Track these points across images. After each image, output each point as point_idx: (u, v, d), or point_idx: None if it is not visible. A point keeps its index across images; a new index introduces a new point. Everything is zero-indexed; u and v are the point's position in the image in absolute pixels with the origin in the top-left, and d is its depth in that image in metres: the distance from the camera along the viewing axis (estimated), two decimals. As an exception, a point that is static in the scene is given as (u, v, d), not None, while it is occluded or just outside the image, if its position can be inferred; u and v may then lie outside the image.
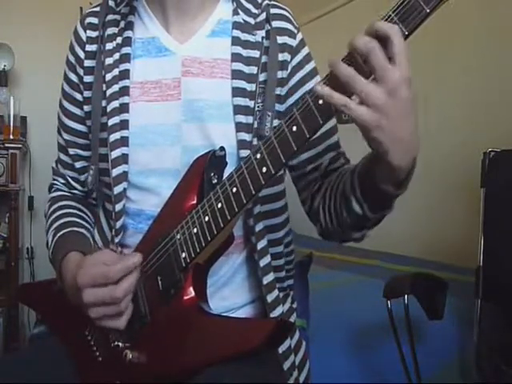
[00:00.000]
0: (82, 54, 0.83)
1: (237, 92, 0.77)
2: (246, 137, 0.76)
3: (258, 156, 0.62)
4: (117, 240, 0.79)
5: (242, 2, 0.83)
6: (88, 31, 0.83)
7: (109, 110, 0.78)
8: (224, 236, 0.70)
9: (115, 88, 0.79)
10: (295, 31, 0.83)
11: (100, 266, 0.67)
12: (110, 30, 0.82)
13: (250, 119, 0.77)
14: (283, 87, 0.81)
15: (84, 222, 0.86)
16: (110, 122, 0.78)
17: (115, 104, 0.78)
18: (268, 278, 0.77)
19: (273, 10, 0.82)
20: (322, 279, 1.76)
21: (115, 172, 0.77)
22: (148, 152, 0.78)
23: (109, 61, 0.80)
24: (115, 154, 0.77)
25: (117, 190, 0.77)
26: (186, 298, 0.66)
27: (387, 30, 0.51)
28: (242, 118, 0.76)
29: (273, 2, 0.84)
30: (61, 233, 0.81)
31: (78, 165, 0.88)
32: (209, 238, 0.66)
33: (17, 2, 2.70)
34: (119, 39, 0.81)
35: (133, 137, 0.78)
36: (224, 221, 0.65)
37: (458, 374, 1.42)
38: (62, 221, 0.84)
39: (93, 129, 0.81)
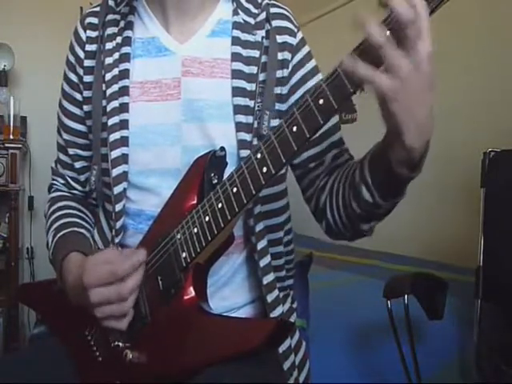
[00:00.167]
0: (81, 54, 0.83)
1: (237, 92, 0.77)
2: (246, 137, 0.76)
3: (259, 156, 0.62)
4: (117, 240, 0.79)
5: (241, 1, 0.83)
6: (88, 31, 0.83)
7: (108, 109, 0.78)
8: (224, 236, 0.70)
9: (115, 88, 0.79)
10: (295, 30, 0.83)
11: (105, 264, 0.67)
12: (110, 30, 0.82)
13: (250, 119, 0.77)
14: (284, 86, 0.81)
15: (84, 223, 0.86)
16: (110, 122, 0.78)
17: (115, 104, 0.78)
18: (268, 278, 0.77)
19: (273, 10, 0.83)
20: (322, 279, 1.76)
21: (115, 172, 0.77)
22: (148, 152, 0.78)
23: (108, 60, 0.80)
24: (115, 153, 0.77)
25: (117, 190, 0.77)
26: (186, 297, 0.66)
27: (417, 3, 0.51)
28: (242, 118, 0.76)
29: (272, 2, 0.84)
30: (61, 233, 0.81)
31: (77, 165, 0.88)
32: (209, 238, 0.66)
33: (17, 2, 2.70)
34: (119, 39, 0.81)
35: (133, 137, 0.78)
36: (224, 221, 0.65)
37: (458, 374, 1.42)
38: (62, 221, 0.84)
39: (94, 129, 0.81)
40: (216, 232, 0.65)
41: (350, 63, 0.53)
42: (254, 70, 0.78)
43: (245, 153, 0.74)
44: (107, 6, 0.84)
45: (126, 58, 0.80)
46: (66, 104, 0.87)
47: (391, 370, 1.21)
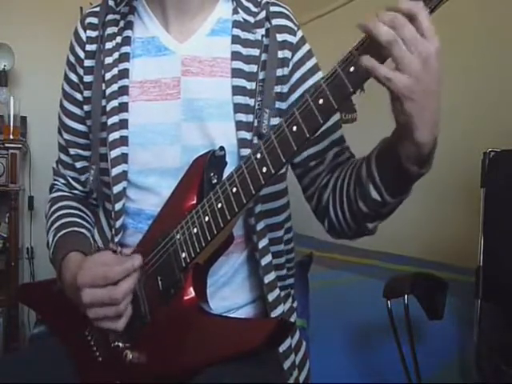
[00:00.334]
0: (81, 54, 0.83)
1: (237, 90, 0.77)
2: (247, 135, 0.76)
3: (258, 156, 0.62)
4: (116, 239, 0.79)
5: (241, 0, 0.83)
6: (88, 31, 0.83)
7: (108, 109, 0.78)
8: (224, 236, 0.70)
9: (114, 87, 0.79)
10: (295, 28, 0.83)
11: (100, 266, 0.67)
12: (110, 30, 0.82)
13: (250, 117, 0.77)
14: (284, 85, 0.81)
15: (84, 223, 0.86)
16: (110, 122, 0.78)
17: (114, 103, 0.78)
18: (269, 277, 0.77)
19: (272, 8, 0.83)
20: (322, 279, 1.76)
21: (115, 171, 0.77)
22: (147, 151, 0.78)
23: (108, 60, 0.80)
24: (115, 153, 0.77)
25: (116, 189, 0.77)
26: (186, 298, 0.66)
27: (412, 7, 0.52)
28: (242, 117, 0.76)
29: (272, 1, 0.84)
30: (61, 233, 0.81)
31: (78, 165, 0.88)
32: (209, 238, 0.66)
33: (17, 2, 2.70)
34: (119, 38, 0.81)
35: (132, 136, 0.78)
36: (224, 221, 0.65)
37: (458, 374, 1.42)
38: (62, 221, 0.84)
39: (93, 128, 0.81)
40: (216, 232, 0.65)
41: (369, 63, 0.53)
42: (254, 68, 0.78)
43: (245, 152, 0.74)
44: (107, 6, 0.84)
45: (125, 57, 0.80)
46: (66, 104, 0.87)
47: (391, 370, 1.21)
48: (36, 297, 0.92)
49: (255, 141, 0.76)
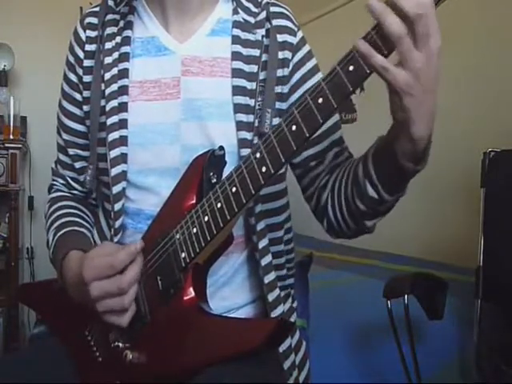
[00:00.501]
0: (81, 54, 0.83)
1: (237, 90, 0.77)
2: (247, 135, 0.76)
3: (258, 155, 0.62)
4: (116, 239, 0.79)
5: (241, 1, 0.83)
6: (87, 31, 0.83)
7: (108, 109, 0.78)
8: (223, 236, 0.70)
9: (114, 87, 0.79)
10: (295, 29, 0.83)
11: (103, 257, 0.67)
12: (110, 30, 0.82)
13: (250, 118, 0.77)
14: (285, 85, 0.81)
15: (84, 222, 0.86)
16: (109, 122, 0.78)
17: (114, 103, 0.78)
18: (269, 277, 0.77)
19: (273, 9, 0.83)
20: (322, 279, 1.76)
21: (114, 171, 0.77)
22: (147, 151, 0.78)
23: (108, 60, 0.80)
24: (114, 153, 0.77)
25: (116, 189, 0.77)
26: (185, 298, 0.66)
27: (422, 3, 0.51)
28: (242, 117, 0.76)
29: (272, 1, 0.84)
30: (61, 232, 0.81)
31: (77, 165, 0.88)
32: (208, 238, 0.66)
33: (17, 2, 2.70)
34: (118, 38, 0.81)
35: (132, 136, 0.78)
36: (224, 221, 0.65)
37: (458, 374, 1.42)
38: (62, 220, 0.84)
39: (91, 128, 0.81)
40: (215, 232, 0.65)
41: (365, 48, 0.52)
42: (254, 68, 0.78)
43: (245, 152, 0.74)
44: (107, 6, 0.84)
45: (125, 57, 0.80)
46: (65, 104, 0.86)
47: (391, 370, 1.21)
48: (36, 297, 0.92)
49: (256, 141, 0.76)
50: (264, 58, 0.79)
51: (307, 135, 0.58)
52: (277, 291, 0.77)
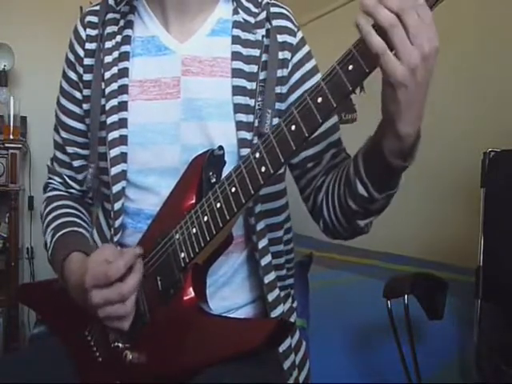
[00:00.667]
0: (81, 53, 0.83)
1: (237, 90, 0.77)
2: (247, 135, 0.76)
3: (257, 155, 0.62)
4: (116, 239, 0.79)
5: (242, 1, 0.83)
6: (88, 29, 0.83)
7: (107, 108, 0.78)
8: (223, 236, 0.70)
9: (114, 86, 0.79)
10: (295, 29, 0.83)
11: (102, 264, 0.67)
12: (110, 29, 0.82)
13: (250, 118, 0.77)
14: (284, 85, 0.81)
15: (82, 222, 0.86)
16: (109, 121, 0.78)
17: (114, 102, 0.78)
18: (269, 277, 0.77)
19: (273, 9, 0.83)
20: (321, 279, 1.76)
21: (114, 171, 0.77)
22: (147, 151, 0.78)
23: (108, 59, 0.80)
24: (114, 152, 0.77)
25: (115, 188, 0.77)
26: (185, 298, 0.66)
27: (413, 2, 0.51)
28: (242, 117, 0.76)
29: (273, 1, 0.84)
30: (60, 233, 0.81)
31: (75, 163, 0.88)
32: (208, 238, 0.66)
33: (17, 2, 2.70)
34: (119, 37, 0.81)
35: (132, 135, 0.78)
36: (223, 221, 0.65)
37: (458, 374, 1.42)
38: (60, 221, 0.84)
39: (92, 127, 0.81)
40: (215, 232, 0.65)
41: (366, 27, 0.52)
42: (254, 68, 0.78)
43: (245, 151, 0.74)
44: (107, 5, 0.84)
45: (125, 56, 0.80)
46: (64, 102, 0.86)
47: (391, 370, 1.21)
48: (36, 297, 0.92)
49: (255, 141, 0.76)
50: (264, 58, 0.79)
51: (306, 135, 0.58)
52: (276, 291, 0.77)
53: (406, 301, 1.13)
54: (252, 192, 0.62)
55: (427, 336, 1.30)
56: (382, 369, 1.27)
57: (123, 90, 0.79)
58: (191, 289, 0.66)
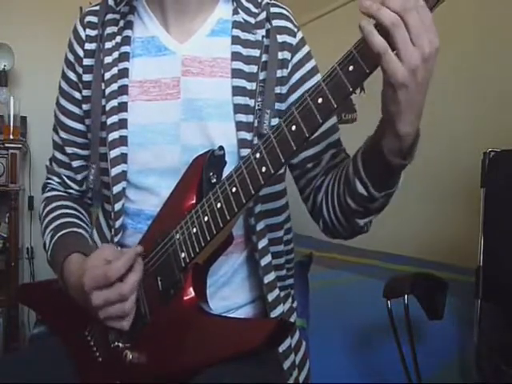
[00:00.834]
0: (81, 53, 0.83)
1: (237, 91, 0.77)
2: (247, 136, 0.76)
3: (258, 155, 0.62)
4: (116, 240, 0.79)
5: (241, 1, 0.83)
6: (87, 30, 0.83)
7: (108, 108, 0.78)
8: (223, 236, 0.70)
9: (114, 87, 0.79)
10: (295, 30, 0.83)
11: (101, 265, 0.67)
12: (110, 29, 0.82)
13: (250, 118, 0.77)
14: (284, 86, 0.81)
15: (81, 222, 0.86)
16: (109, 121, 0.78)
17: (114, 103, 0.78)
18: (269, 277, 0.77)
19: (273, 9, 0.83)
20: (321, 279, 1.76)
21: (114, 171, 0.77)
22: (147, 151, 0.78)
23: (108, 59, 0.80)
24: (114, 153, 0.77)
25: (116, 189, 0.77)
26: (185, 298, 0.66)
27: (415, 3, 0.51)
28: (242, 117, 0.76)
29: (272, 1, 0.84)
30: (59, 234, 0.81)
31: (75, 164, 0.88)
32: (208, 238, 0.66)
33: (17, 2, 2.70)
34: (118, 38, 0.81)
35: (132, 136, 0.78)
36: (223, 221, 0.65)
37: (458, 374, 1.42)
38: (59, 221, 0.84)
39: (93, 128, 0.81)
40: (215, 232, 0.65)
41: (368, 26, 0.52)
42: (254, 69, 0.78)
43: (245, 152, 0.74)
44: (107, 6, 0.84)
45: (125, 57, 0.80)
46: (64, 102, 0.86)
47: (391, 370, 1.21)
48: (36, 297, 0.92)
49: (255, 141, 0.76)
50: (264, 58, 0.79)
51: (307, 135, 0.59)
52: (276, 291, 0.77)
53: (405, 301, 1.13)
54: (253, 192, 0.63)
55: (427, 336, 1.30)
56: (382, 369, 1.27)
57: (123, 90, 0.79)
58: (191, 289, 0.66)
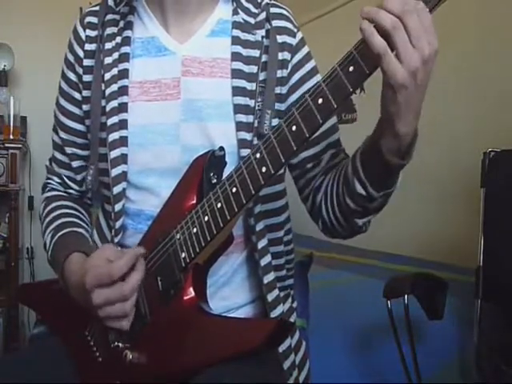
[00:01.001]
0: (81, 53, 0.83)
1: (237, 91, 0.77)
2: (247, 136, 0.76)
3: (258, 155, 0.62)
4: (116, 240, 0.79)
5: (241, 1, 0.83)
6: (87, 30, 0.83)
7: (108, 109, 0.78)
8: (224, 236, 0.70)
9: (114, 88, 0.79)
10: (295, 30, 0.83)
11: (104, 264, 0.67)
12: (110, 30, 0.82)
13: (250, 118, 0.77)
14: (283, 86, 0.81)
15: (81, 222, 0.86)
16: (109, 122, 0.78)
17: (114, 104, 0.78)
18: (269, 278, 0.77)
19: (272, 10, 0.83)
20: (321, 279, 1.76)
21: (114, 172, 0.77)
22: (147, 152, 0.78)
23: (108, 60, 0.80)
24: (114, 153, 0.77)
25: (116, 190, 0.77)
26: (185, 298, 0.66)
27: (414, 5, 0.52)
28: (242, 117, 0.76)
29: (272, 2, 0.84)
30: (60, 233, 0.81)
31: (74, 164, 0.88)
32: (208, 238, 0.66)
33: (17, 2, 2.70)
34: (118, 39, 0.81)
35: (132, 136, 0.78)
36: (224, 221, 0.65)
37: (458, 374, 1.42)
38: (59, 221, 0.84)
39: (92, 128, 0.81)
40: (215, 232, 0.65)
41: (369, 28, 0.52)
42: (254, 69, 0.78)
43: (245, 152, 0.74)
44: (107, 6, 0.84)
45: (125, 57, 0.80)
46: (63, 103, 0.86)
47: (391, 370, 1.21)
48: (36, 297, 0.92)
49: (255, 141, 0.76)
50: (264, 58, 0.79)
51: (307, 135, 0.59)
52: (276, 291, 0.77)
53: (405, 301, 1.13)
54: (253, 192, 0.63)
55: (427, 336, 1.30)
56: (382, 369, 1.27)
57: (123, 91, 0.79)
58: (191, 289, 0.66)
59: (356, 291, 1.69)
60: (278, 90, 0.80)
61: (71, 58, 0.85)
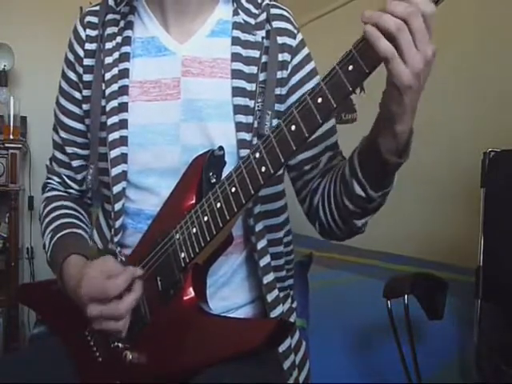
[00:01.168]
0: (81, 53, 0.83)
1: (237, 92, 0.77)
2: (246, 136, 0.76)
3: (257, 155, 0.62)
4: (116, 239, 0.79)
5: (242, 2, 0.83)
6: (87, 30, 0.83)
7: (108, 109, 0.78)
8: (223, 236, 0.70)
9: (114, 87, 0.79)
10: (295, 31, 0.83)
11: (101, 279, 0.67)
12: (110, 30, 0.82)
13: (250, 119, 0.77)
14: (283, 87, 0.81)
15: (81, 223, 0.86)
16: (109, 122, 0.78)
17: (114, 103, 0.78)
18: (268, 278, 0.77)
19: (273, 11, 0.83)
20: (321, 279, 1.76)
21: (114, 171, 0.77)
22: (147, 151, 0.78)
23: (108, 60, 0.80)
24: (114, 153, 0.77)
25: (116, 189, 0.77)
26: (185, 298, 0.66)
27: (418, 2, 0.52)
28: (242, 118, 0.76)
29: (273, 3, 0.84)
30: (59, 234, 0.81)
31: (75, 163, 0.88)
32: (208, 238, 0.66)
33: (17, 2, 2.70)
34: (119, 38, 0.81)
35: (132, 136, 0.78)
36: (223, 221, 0.65)
37: (458, 374, 1.42)
38: (58, 222, 0.84)
39: (92, 128, 0.81)
40: (215, 232, 0.65)
41: (375, 32, 0.53)
42: (254, 70, 0.78)
43: (245, 152, 0.74)
44: (107, 6, 0.84)
45: (125, 57, 0.80)
46: (64, 102, 0.86)
47: (391, 370, 1.21)
48: (36, 297, 0.92)
49: (255, 142, 0.76)
50: (264, 59, 0.79)
51: (307, 135, 0.59)
52: (275, 292, 0.77)
53: (405, 301, 1.13)
54: (252, 192, 0.63)
55: (427, 336, 1.30)
56: (382, 369, 1.27)
57: (123, 90, 0.79)
58: (191, 289, 0.66)
59: (356, 291, 1.69)
60: (277, 91, 0.80)
61: (71, 57, 0.85)
